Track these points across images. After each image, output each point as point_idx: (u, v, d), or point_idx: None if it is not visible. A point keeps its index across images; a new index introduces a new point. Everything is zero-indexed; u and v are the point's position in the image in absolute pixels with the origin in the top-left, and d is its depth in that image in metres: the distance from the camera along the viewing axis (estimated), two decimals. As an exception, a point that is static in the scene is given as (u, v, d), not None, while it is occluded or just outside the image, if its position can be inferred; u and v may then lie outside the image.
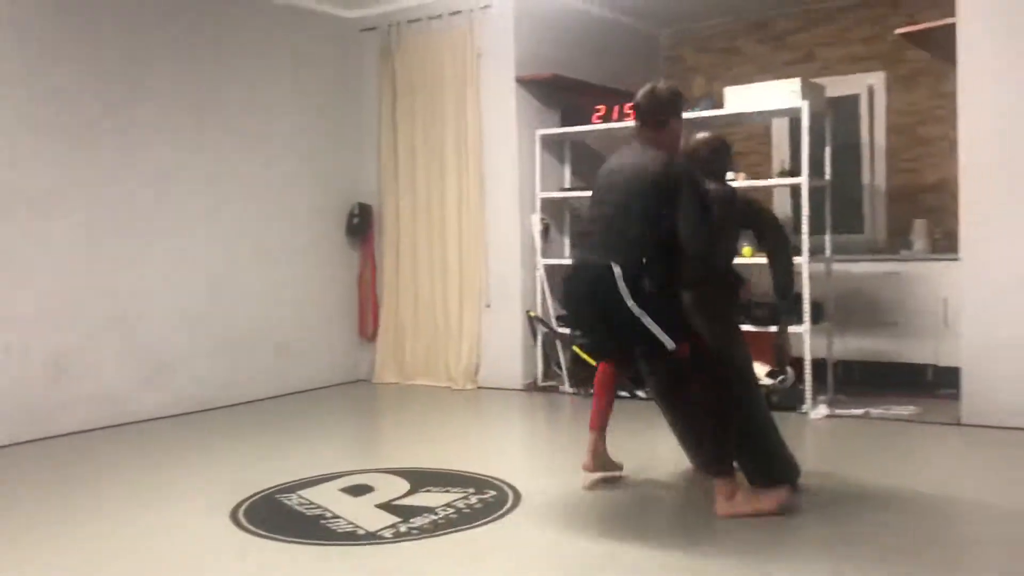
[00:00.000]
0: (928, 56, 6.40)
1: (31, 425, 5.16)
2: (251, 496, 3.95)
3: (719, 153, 4.02)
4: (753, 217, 4.14)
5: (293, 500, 3.91)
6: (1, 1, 5.10)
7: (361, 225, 7.11)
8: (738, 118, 6.28)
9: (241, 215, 6.37)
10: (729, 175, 4.44)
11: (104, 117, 5.57)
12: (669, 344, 3.46)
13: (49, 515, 3.83)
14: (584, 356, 6.36)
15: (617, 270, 3.46)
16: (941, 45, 5.42)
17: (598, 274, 3.52)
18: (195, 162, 6.07)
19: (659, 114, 3.73)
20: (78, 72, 5.44)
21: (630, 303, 3.45)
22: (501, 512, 3.69)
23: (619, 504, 3.86)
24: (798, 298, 5.54)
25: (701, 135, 4.11)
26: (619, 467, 4.15)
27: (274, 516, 3.72)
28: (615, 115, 6.34)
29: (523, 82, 6.55)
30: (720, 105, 6.03)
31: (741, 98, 5.82)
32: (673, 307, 3.59)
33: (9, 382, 5.09)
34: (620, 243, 3.53)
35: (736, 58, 7.62)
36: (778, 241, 4.10)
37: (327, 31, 7.01)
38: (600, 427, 4.05)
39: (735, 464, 3.65)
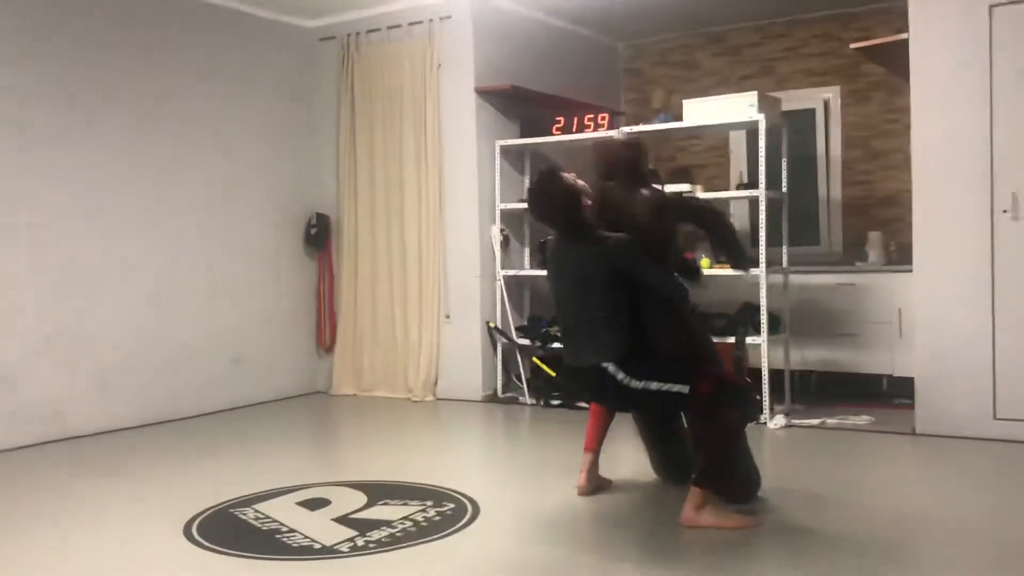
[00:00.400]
0: (882, 71, 6.50)
1: (-23, 439, 5.03)
2: (205, 510, 3.87)
3: (640, 152, 4.01)
4: (685, 210, 4.14)
5: (248, 514, 3.84)
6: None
7: (319, 235, 7.04)
8: (697, 130, 6.32)
9: (196, 224, 6.27)
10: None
11: (50, 121, 5.45)
12: (685, 390, 3.51)
13: (-6, 532, 3.72)
14: (544, 367, 6.35)
15: (611, 367, 3.57)
16: (895, 60, 5.51)
17: (594, 376, 3.63)
18: (147, 170, 5.96)
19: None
20: (29, 73, 5.33)
21: (637, 386, 3.55)
22: (459, 525, 3.65)
23: (578, 516, 3.84)
24: (756, 310, 5.59)
25: (617, 137, 4.10)
26: (609, 483, 4.15)
27: (229, 531, 3.64)
28: (574, 126, 6.36)
29: (483, 93, 6.54)
30: (679, 118, 6.06)
31: (699, 111, 5.86)
32: (666, 355, 3.66)
33: (-46, 395, 4.96)
34: (602, 338, 3.61)
35: (694, 71, 7.68)
36: (708, 215, 4.05)
37: (286, 40, 6.95)
38: (595, 448, 4.09)
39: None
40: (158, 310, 6.00)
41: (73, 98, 5.57)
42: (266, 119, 6.81)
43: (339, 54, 7.01)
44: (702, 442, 3.63)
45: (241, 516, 3.82)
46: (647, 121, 6.61)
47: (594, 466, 4.09)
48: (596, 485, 4.08)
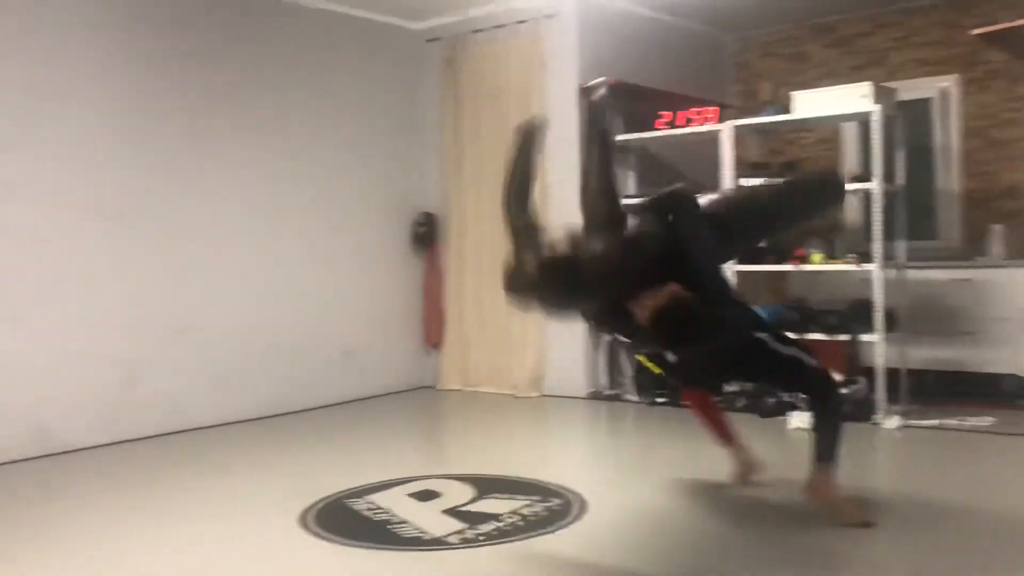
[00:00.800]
0: (1002, 58, 6.23)
1: (105, 430, 5.28)
2: (319, 501, 3.98)
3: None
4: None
5: (361, 505, 3.93)
6: (84, 16, 5.26)
7: (426, 234, 7.15)
8: (807, 123, 6.17)
9: (307, 224, 6.45)
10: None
11: (172, 129, 5.69)
12: (812, 361, 3.63)
13: (122, 517, 3.90)
14: (649, 365, 6.30)
15: (767, 336, 3.64)
16: (1020, 45, 5.27)
17: (744, 346, 3.61)
18: (260, 173, 6.17)
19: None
20: (150, 85, 5.57)
21: (788, 352, 3.65)
22: (567, 521, 3.66)
23: (686, 516, 3.80)
24: (870, 306, 5.43)
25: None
26: (755, 469, 4.16)
27: (342, 521, 3.74)
28: (680, 121, 6.29)
29: (587, 90, 6.53)
30: (788, 110, 5.93)
31: (810, 103, 5.72)
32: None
33: (85, 388, 5.22)
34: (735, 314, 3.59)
35: (803, 64, 7.50)
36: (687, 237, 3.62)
37: (392, 43, 7.08)
38: (729, 442, 4.14)
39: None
40: (271, 308, 6.19)
41: (201, 108, 5.81)
42: (374, 120, 6.95)
43: (445, 55, 7.10)
44: (823, 419, 3.62)
45: (354, 507, 3.91)
46: (755, 114, 6.49)
47: (738, 455, 4.12)
48: (747, 471, 4.11)
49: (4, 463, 4.81)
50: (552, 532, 3.53)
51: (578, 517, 3.71)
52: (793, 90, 5.97)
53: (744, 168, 6.17)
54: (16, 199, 4.98)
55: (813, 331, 5.67)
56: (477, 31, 6.94)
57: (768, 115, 6.09)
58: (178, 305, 5.68)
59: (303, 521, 3.73)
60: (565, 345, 6.61)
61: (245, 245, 6.07)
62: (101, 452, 5.13)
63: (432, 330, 7.22)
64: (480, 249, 6.97)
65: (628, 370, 6.47)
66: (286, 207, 6.32)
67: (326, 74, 6.61)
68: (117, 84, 5.42)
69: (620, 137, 6.60)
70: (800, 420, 5.27)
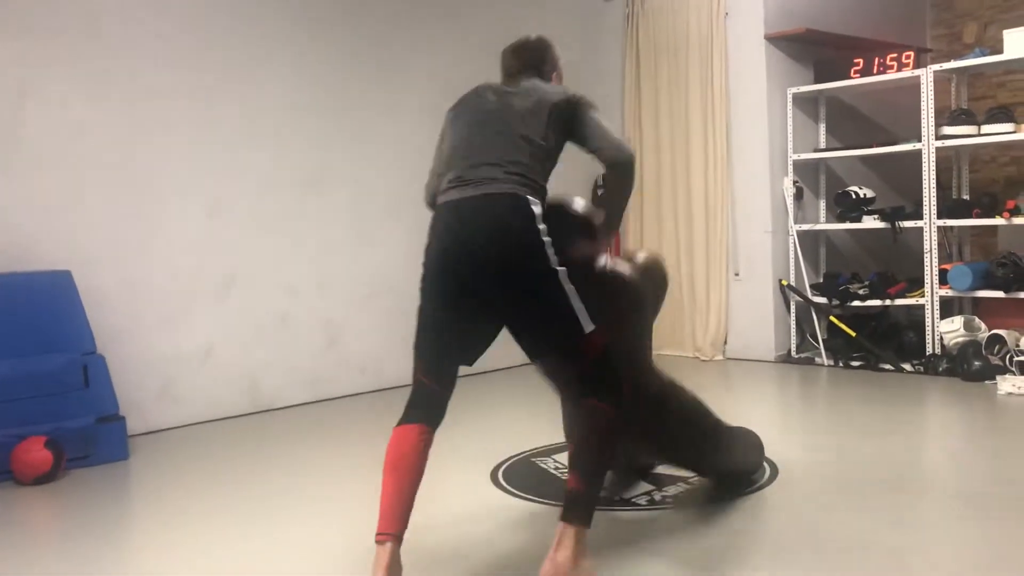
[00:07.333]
0: None
1: (306, 388, 5.59)
2: (509, 458, 4.06)
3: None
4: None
5: (549, 464, 3.98)
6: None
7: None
8: (1019, 64, 5.68)
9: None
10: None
11: (361, 99, 5.88)
12: (587, 325, 2.58)
13: (331, 469, 4.13)
14: (843, 327, 6.04)
15: (535, 207, 2.58)
16: None
17: (499, 211, 2.58)
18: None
19: (542, 62, 3.23)
20: (339, 57, 5.78)
21: (552, 258, 2.55)
22: (757, 486, 3.57)
23: (880, 481, 3.63)
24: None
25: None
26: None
27: (530, 478, 3.80)
28: (875, 68, 5.93)
29: (773, 39, 6.26)
30: (998, 51, 5.48)
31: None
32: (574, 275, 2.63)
33: (288, 349, 5.53)
34: (526, 167, 2.66)
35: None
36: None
37: (570, 3, 7.02)
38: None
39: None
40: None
41: (388, 78, 5.97)
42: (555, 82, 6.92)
43: (624, 12, 7.00)
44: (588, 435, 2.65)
45: (541, 465, 3.97)
46: (958, 57, 6.04)
47: None
48: None
49: (224, 418, 5.19)
50: (740, 496, 3.46)
51: (769, 482, 3.61)
52: (1004, 28, 5.50)
53: (945, 117, 5.76)
54: (231, 178, 5.30)
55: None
56: (657, -14, 6.79)
57: (974, 58, 5.66)
58: (369, 268, 5.90)
59: (494, 476, 3.82)
60: (752, 307, 6.43)
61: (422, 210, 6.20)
62: (304, 409, 5.43)
63: (614, 292, 7.18)
64: (660, 208, 6.86)
65: (820, 332, 6.22)
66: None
67: (507, 37, 6.62)
68: (309, 61, 5.64)
69: (810, 88, 6.31)
70: (1014, 384, 4.91)
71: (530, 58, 3.18)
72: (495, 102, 2.89)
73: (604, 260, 3.05)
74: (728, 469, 3.52)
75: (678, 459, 3.43)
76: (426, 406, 2.74)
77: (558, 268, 2.57)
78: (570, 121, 2.82)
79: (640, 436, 3.16)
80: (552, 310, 2.57)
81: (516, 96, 2.87)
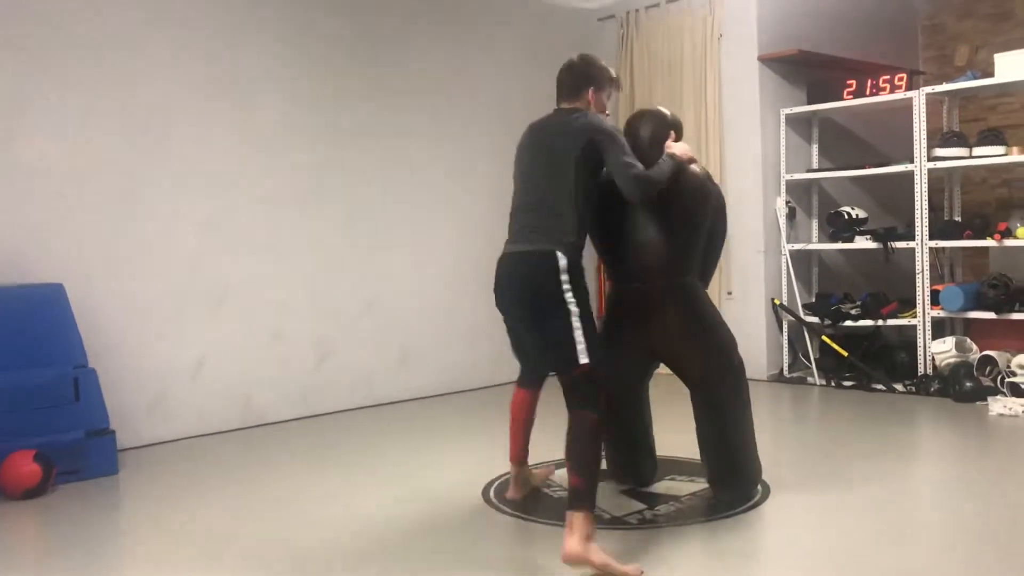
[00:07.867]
0: None
1: (297, 404, 5.57)
2: (503, 475, 4.05)
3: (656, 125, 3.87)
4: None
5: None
6: (263, 18, 5.53)
7: (600, 213, 7.11)
8: (1012, 87, 5.73)
9: (489, 205, 6.52)
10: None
11: (353, 118, 5.89)
12: (584, 359, 3.09)
13: (317, 484, 4.11)
14: (835, 346, 6.06)
15: (561, 261, 3.14)
16: None
17: (526, 271, 3.22)
18: (439, 152, 6.30)
19: (577, 85, 3.63)
20: (332, 74, 5.79)
21: (571, 301, 3.12)
22: (748, 505, 3.57)
23: (872, 500, 3.63)
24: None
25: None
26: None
27: (523, 496, 3.78)
28: (868, 90, 5.98)
29: (766, 60, 6.31)
30: (989, 75, 5.53)
31: (1015, 65, 5.30)
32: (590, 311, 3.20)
33: (280, 364, 5.52)
34: (556, 223, 3.21)
35: (1006, 23, 6.96)
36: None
37: (566, 22, 7.06)
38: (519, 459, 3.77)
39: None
40: (452, 288, 6.34)
41: (381, 96, 5.98)
42: (549, 99, 6.95)
43: (618, 32, 7.04)
44: (579, 437, 3.14)
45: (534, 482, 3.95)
46: (949, 80, 6.09)
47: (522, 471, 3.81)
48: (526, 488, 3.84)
49: (214, 432, 5.18)
50: (731, 516, 3.46)
51: (760, 502, 3.61)
52: (995, 52, 5.55)
53: (937, 139, 5.81)
54: (224, 193, 5.30)
55: (1017, 311, 5.28)
56: (651, 7, 6.84)
57: (966, 81, 5.70)
58: (362, 286, 5.90)
59: (485, 493, 3.81)
60: (744, 326, 6.42)
61: (423, 227, 6.23)
62: (295, 425, 5.42)
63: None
64: (655, 228, 6.87)
65: (812, 352, 6.23)
66: (464, 185, 6.43)
67: (501, 54, 6.67)
68: (300, 75, 5.66)
69: (803, 108, 6.35)
70: (1004, 405, 4.93)
71: (567, 82, 3.70)
72: (535, 144, 3.54)
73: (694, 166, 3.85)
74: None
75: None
76: (526, 375, 3.77)
77: (573, 310, 3.11)
78: (594, 159, 3.30)
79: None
80: (557, 341, 3.14)
81: (552, 136, 3.47)
